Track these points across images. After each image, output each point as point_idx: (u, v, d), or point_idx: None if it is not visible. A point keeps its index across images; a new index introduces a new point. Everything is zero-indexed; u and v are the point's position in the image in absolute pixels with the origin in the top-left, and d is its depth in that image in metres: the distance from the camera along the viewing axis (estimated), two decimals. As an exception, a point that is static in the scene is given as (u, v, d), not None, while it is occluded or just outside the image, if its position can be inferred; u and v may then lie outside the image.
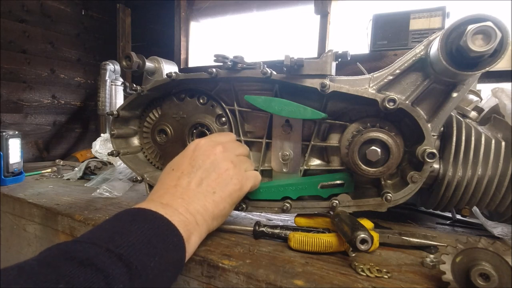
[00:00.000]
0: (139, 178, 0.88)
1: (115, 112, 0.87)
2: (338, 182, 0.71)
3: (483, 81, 1.29)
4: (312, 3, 1.85)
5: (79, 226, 0.79)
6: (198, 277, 0.60)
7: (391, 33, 1.53)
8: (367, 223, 0.65)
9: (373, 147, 0.63)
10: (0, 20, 1.90)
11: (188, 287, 0.62)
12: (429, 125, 0.62)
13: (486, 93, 0.81)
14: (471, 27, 0.51)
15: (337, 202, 0.68)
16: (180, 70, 1.25)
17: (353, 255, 0.58)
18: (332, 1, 1.85)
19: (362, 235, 0.51)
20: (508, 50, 0.52)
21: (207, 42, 2.43)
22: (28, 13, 2.05)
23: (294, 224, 0.70)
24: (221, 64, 0.72)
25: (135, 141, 0.96)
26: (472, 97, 0.83)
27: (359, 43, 1.69)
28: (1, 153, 1.09)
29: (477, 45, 0.51)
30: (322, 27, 1.86)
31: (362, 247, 0.51)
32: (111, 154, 0.88)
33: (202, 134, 0.87)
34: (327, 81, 0.65)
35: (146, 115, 0.92)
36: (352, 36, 1.80)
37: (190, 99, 0.86)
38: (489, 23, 0.51)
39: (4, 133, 1.10)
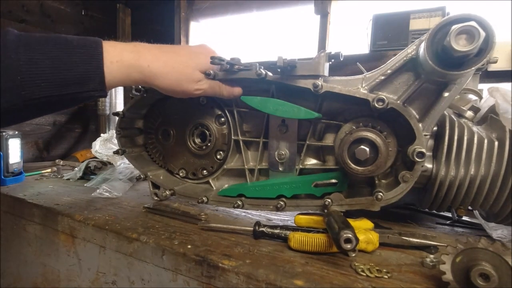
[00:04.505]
0: (142, 176, 0.89)
1: (120, 113, 0.88)
2: (331, 181, 0.72)
3: (483, 81, 1.29)
4: (312, 3, 1.85)
5: (79, 226, 0.79)
6: (198, 277, 0.60)
7: (391, 33, 1.53)
8: (367, 223, 0.65)
9: (362, 146, 0.64)
10: (0, 20, 1.90)
11: (188, 287, 0.62)
12: (420, 124, 0.62)
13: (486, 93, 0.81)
14: (454, 27, 0.52)
15: (329, 200, 0.69)
16: (180, 70, 1.25)
17: (353, 255, 0.58)
18: (332, 1, 1.85)
19: (346, 235, 0.51)
20: (493, 49, 0.52)
21: (207, 42, 2.43)
22: (28, 13, 2.05)
23: (294, 224, 0.70)
24: (219, 65, 0.73)
25: (140, 140, 0.97)
26: (471, 96, 0.83)
27: (359, 43, 1.69)
28: (1, 153, 1.09)
29: (460, 45, 0.51)
30: (322, 27, 1.86)
31: (346, 246, 0.51)
32: (116, 152, 0.90)
33: (202, 134, 0.88)
34: (319, 82, 0.66)
35: (150, 115, 0.94)
36: (352, 36, 1.80)
37: (191, 100, 0.87)
38: (472, 23, 0.51)
39: (4, 133, 1.10)
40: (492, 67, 1.15)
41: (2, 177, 1.09)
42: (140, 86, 0.86)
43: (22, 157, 1.18)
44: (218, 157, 0.86)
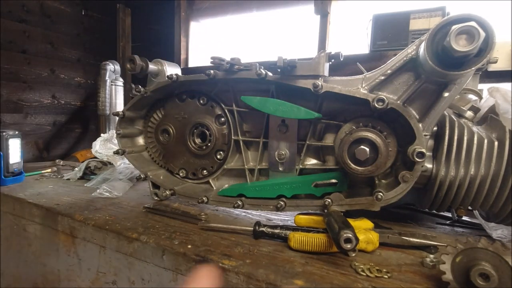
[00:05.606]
0: (142, 176, 0.89)
1: (120, 113, 0.88)
2: (331, 181, 0.72)
3: (483, 81, 1.29)
4: (312, 3, 1.85)
5: (79, 226, 0.79)
6: (198, 277, 0.60)
7: (391, 33, 1.53)
8: (367, 223, 0.65)
9: (362, 146, 0.64)
10: (0, 20, 1.89)
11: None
12: (420, 124, 0.62)
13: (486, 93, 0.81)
14: (454, 27, 0.52)
15: (329, 200, 0.69)
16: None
17: (353, 255, 0.58)
18: (332, 1, 1.85)
19: (346, 234, 0.51)
20: (493, 49, 0.52)
21: (207, 42, 2.43)
22: (28, 13, 2.05)
23: (294, 224, 0.70)
24: (219, 65, 0.73)
25: (140, 140, 0.97)
26: (471, 96, 0.83)
27: (359, 43, 1.69)
28: (1, 153, 1.09)
29: (460, 45, 0.51)
30: (322, 27, 1.86)
31: (347, 246, 0.51)
32: (116, 152, 0.90)
33: (202, 134, 0.88)
34: (319, 82, 0.66)
35: (150, 115, 0.94)
36: (352, 36, 1.80)
37: (191, 100, 0.87)
38: (472, 23, 0.51)
39: (4, 133, 1.10)
40: (492, 67, 1.15)
41: (2, 177, 1.09)
42: (140, 86, 0.86)
43: (22, 157, 1.18)
44: (218, 157, 0.86)
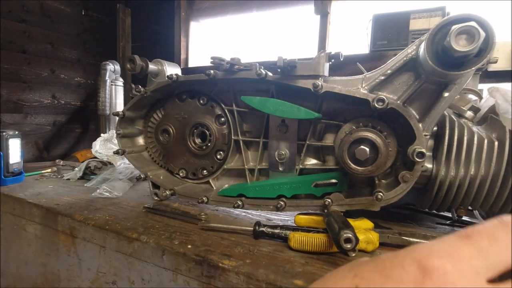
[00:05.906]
0: (142, 176, 0.90)
1: (120, 113, 0.88)
2: (331, 181, 0.72)
3: (483, 81, 1.29)
4: (312, 3, 1.85)
5: (79, 226, 0.79)
6: (198, 277, 0.60)
7: (391, 33, 1.53)
8: (367, 223, 0.65)
9: (362, 146, 0.64)
10: (0, 20, 1.90)
11: (188, 287, 0.62)
12: (420, 124, 0.62)
13: (486, 93, 0.81)
14: (454, 27, 0.51)
15: (329, 200, 0.69)
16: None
17: (353, 255, 0.58)
18: (332, 1, 1.85)
19: (346, 234, 0.51)
20: (493, 49, 0.52)
21: (207, 42, 2.43)
22: (28, 13, 2.05)
23: (294, 224, 0.70)
24: (219, 65, 0.73)
25: (140, 140, 0.97)
26: (471, 96, 0.83)
27: (359, 43, 1.70)
28: (1, 153, 1.09)
29: (460, 45, 0.51)
30: (322, 27, 1.86)
31: (347, 246, 0.51)
32: (116, 152, 0.90)
33: (202, 134, 0.88)
34: (319, 82, 0.66)
35: (150, 115, 0.94)
36: (352, 36, 1.80)
37: (191, 100, 0.87)
38: (472, 23, 0.51)
39: (4, 133, 1.10)
40: (492, 67, 1.15)
41: (2, 177, 1.09)
42: (140, 86, 0.87)
43: (22, 157, 1.18)
44: (218, 157, 0.86)
